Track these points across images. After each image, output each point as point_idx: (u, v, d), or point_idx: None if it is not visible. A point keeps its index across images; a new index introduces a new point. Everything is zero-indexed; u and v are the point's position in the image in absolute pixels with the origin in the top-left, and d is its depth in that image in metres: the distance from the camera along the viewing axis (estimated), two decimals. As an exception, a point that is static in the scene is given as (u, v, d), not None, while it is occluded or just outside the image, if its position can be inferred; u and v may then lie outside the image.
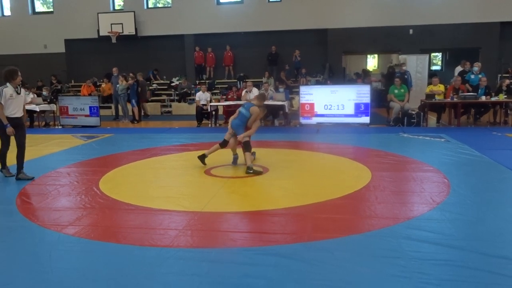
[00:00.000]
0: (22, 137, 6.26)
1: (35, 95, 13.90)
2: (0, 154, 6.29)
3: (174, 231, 4.06)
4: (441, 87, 11.67)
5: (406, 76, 12.50)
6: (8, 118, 6.02)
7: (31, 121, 13.41)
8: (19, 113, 6.20)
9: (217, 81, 18.38)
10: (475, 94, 11.17)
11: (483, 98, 11.02)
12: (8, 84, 6.06)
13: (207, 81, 17.77)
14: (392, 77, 13.49)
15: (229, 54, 18.35)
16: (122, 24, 18.28)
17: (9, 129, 6.01)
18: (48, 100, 13.87)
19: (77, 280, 3.14)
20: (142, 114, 14.70)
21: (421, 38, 16.77)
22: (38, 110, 12.95)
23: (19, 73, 6.15)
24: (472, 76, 12.04)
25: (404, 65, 13.34)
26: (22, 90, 6.33)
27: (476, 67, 12.11)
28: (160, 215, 4.50)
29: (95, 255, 3.59)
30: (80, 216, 4.58)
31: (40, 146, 9.17)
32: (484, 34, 16.34)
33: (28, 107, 13.08)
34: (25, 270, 3.33)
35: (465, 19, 16.37)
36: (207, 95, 13.01)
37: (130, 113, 14.17)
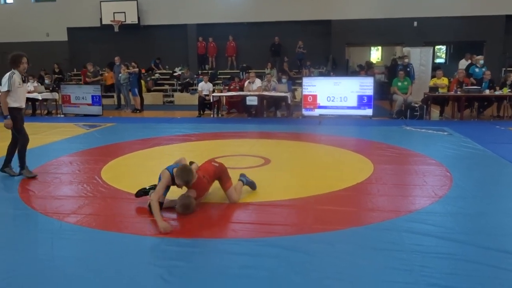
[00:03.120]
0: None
1: (39, 83, 13.92)
2: (20, 150, 5.61)
3: (176, 221, 4.07)
4: (445, 80, 11.60)
5: (408, 69, 12.41)
6: (16, 109, 5.51)
7: (34, 109, 13.42)
8: (24, 104, 5.72)
9: (220, 71, 18.32)
10: (479, 87, 11.11)
11: (487, 91, 10.97)
12: (15, 70, 5.50)
13: (209, 71, 17.70)
14: (395, 69, 13.41)
15: (232, 44, 18.27)
16: (124, 13, 18.20)
17: (7, 121, 5.44)
18: (51, 89, 13.85)
19: (78, 268, 3.15)
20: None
21: (425, 31, 16.65)
22: (40, 98, 12.95)
23: (25, 60, 5.52)
24: (476, 70, 11.98)
25: (406, 58, 13.24)
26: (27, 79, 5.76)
27: (481, 60, 12.07)
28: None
29: (97, 244, 3.60)
30: (82, 205, 4.59)
31: (42, 135, 9.18)
32: (489, 27, 16.22)
33: (30, 95, 13.11)
34: (27, 258, 3.34)
35: (470, 11, 16.23)
36: (210, 85, 12.97)
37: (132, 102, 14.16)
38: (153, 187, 4.53)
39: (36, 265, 3.22)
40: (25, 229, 3.99)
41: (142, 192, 4.61)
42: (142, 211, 4.35)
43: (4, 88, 5.42)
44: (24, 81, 5.66)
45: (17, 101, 5.52)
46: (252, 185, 4.94)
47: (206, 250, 3.43)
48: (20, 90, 5.53)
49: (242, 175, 4.95)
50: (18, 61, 5.49)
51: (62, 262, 3.26)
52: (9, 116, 5.45)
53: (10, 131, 5.63)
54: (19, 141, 5.65)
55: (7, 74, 5.49)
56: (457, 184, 5.11)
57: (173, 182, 4.21)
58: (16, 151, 5.68)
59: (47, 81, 14.58)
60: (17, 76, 5.49)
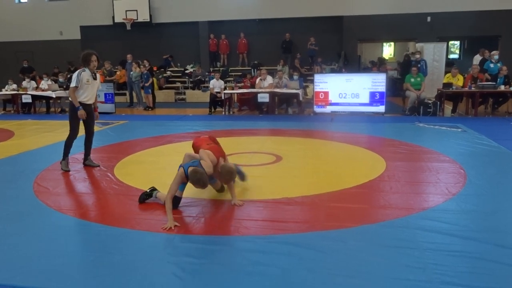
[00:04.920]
0: (92, 125, 6.22)
1: (53, 82, 14.09)
2: (67, 141, 6.02)
3: (188, 218, 4.09)
4: (459, 81, 11.33)
5: (419, 65, 12.24)
6: (81, 104, 5.85)
7: (48, 107, 13.58)
8: (92, 100, 6.04)
9: (231, 68, 18.33)
10: (494, 83, 10.94)
11: (502, 87, 10.80)
12: (86, 68, 5.87)
13: (221, 69, 17.72)
14: (408, 65, 13.27)
15: (243, 41, 18.25)
16: (136, 11, 18.29)
17: (81, 112, 5.81)
18: (64, 87, 14.00)
19: (91, 264, 3.19)
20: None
21: (439, 26, 16.43)
22: (54, 96, 13.12)
23: (94, 58, 5.86)
24: (491, 65, 11.79)
25: (417, 53, 13.05)
26: (97, 75, 6.03)
27: (496, 55, 11.87)
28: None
29: (109, 240, 3.64)
30: (95, 202, 4.63)
31: (56, 132, 9.28)
32: (504, 21, 15.93)
33: (44, 93, 13.29)
34: (41, 253, 3.39)
35: (485, 6, 15.96)
36: (221, 82, 12.99)
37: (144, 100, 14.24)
38: (153, 189, 4.62)
39: (49, 260, 3.26)
40: (39, 225, 4.04)
41: (145, 196, 4.60)
42: (154, 208, 4.38)
43: (73, 84, 5.78)
44: (94, 78, 5.94)
45: (82, 97, 5.86)
46: (241, 176, 4.98)
47: (218, 247, 3.44)
48: (87, 86, 5.85)
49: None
50: (88, 59, 5.86)
51: (75, 258, 3.30)
52: (81, 107, 5.81)
53: (76, 125, 6.00)
54: (69, 134, 6.00)
55: (77, 71, 5.86)
56: (471, 181, 5.05)
57: (188, 179, 4.21)
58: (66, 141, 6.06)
59: (61, 79, 14.73)
60: (86, 74, 5.84)
